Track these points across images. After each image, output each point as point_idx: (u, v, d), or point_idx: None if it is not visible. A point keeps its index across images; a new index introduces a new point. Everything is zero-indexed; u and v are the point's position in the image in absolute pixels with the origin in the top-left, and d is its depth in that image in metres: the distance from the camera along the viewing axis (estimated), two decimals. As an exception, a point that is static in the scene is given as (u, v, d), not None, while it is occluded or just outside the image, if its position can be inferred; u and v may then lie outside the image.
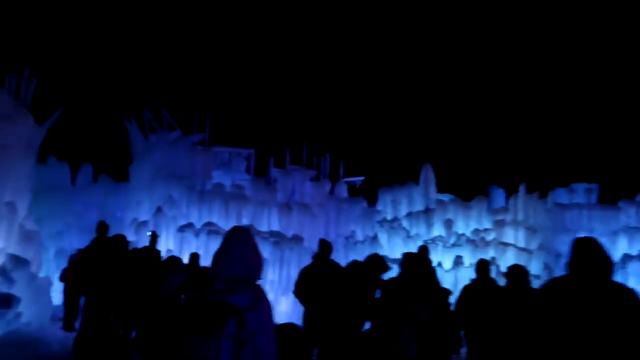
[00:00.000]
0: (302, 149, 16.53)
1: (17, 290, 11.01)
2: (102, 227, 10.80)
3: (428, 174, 15.64)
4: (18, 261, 11.68)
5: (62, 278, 13.46)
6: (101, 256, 9.95)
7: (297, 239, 15.28)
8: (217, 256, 2.97)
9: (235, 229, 3.13)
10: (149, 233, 10.34)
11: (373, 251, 15.42)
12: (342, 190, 17.40)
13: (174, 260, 10.62)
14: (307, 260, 15.21)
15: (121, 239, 8.34)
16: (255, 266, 2.98)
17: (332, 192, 17.21)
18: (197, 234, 14.82)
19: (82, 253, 10.87)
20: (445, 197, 15.72)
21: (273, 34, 39.16)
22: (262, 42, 40.78)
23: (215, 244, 14.94)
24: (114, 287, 7.75)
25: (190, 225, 14.97)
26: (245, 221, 15.31)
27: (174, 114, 15.71)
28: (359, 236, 16.21)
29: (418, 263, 6.12)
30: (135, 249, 9.53)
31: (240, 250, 2.95)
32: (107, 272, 9.92)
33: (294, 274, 9.76)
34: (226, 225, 15.15)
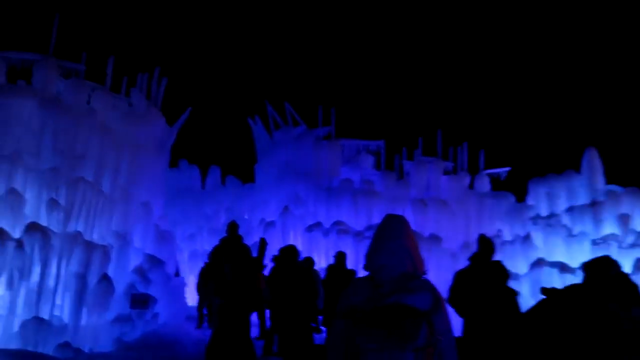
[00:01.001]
0: (436, 139, 14.93)
1: (153, 290, 10.87)
2: (233, 226, 10.26)
3: (593, 161, 13.13)
4: (154, 261, 11.62)
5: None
6: (233, 256, 9.49)
7: (434, 238, 13.69)
8: (377, 251, 2.63)
9: (393, 218, 2.73)
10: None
11: (526, 252, 13.35)
12: (484, 184, 15.42)
13: (311, 262, 9.83)
14: (446, 263, 13.62)
15: (292, 250, 7.87)
16: (420, 259, 2.67)
17: (471, 186, 15.34)
18: (326, 233, 13.92)
19: (212, 254, 10.46)
20: (617, 188, 13.08)
21: (398, 16, 34.58)
22: (387, 25, 35.71)
23: (344, 244, 13.97)
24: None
25: (318, 224, 14.10)
26: (376, 219, 14.08)
27: (297, 107, 15.02)
28: (507, 236, 14.16)
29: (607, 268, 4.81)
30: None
31: (403, 242, 2.62)
32: (242, 273, 9.40)
33: (433, 278, 8.32)
34: (356, 223, 14.08)
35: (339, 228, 13.74)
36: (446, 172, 15.16)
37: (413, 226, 14.25)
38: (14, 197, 9.33)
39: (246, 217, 18.37)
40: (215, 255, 9.52)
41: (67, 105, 10.10)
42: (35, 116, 9.78)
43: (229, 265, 8.20)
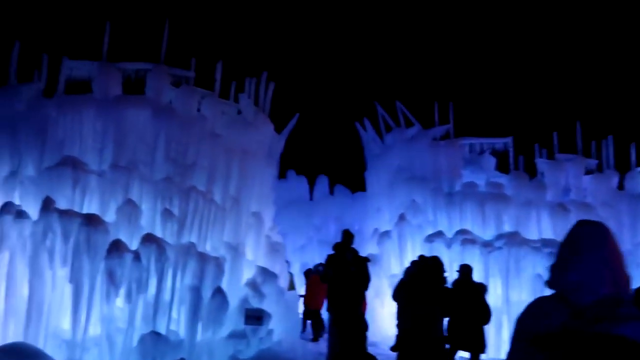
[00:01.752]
0: (574, 132, 12.89)
1: (267, 305, 10.24)
2: (348, 235, 9.37)
3: None
4: (267, 274, 11.04)
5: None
6: (348, 270, 8.58)
7: (580, 248, 11.67)
8: (570, 266, 2.13)
9: (589, 225, 2.23)
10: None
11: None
12: (637, 183, 13.05)
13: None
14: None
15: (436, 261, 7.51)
16: (626, 277, 2.12)
17: (621, 186, 13.04)
18: (449, 244, 12.52)
19: (325, 265, 9.64)
20: None
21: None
22: (509, 7, 30.21)
23: (471, 256, 12.47)
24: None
25: (439, 233, 12.74)
26: (507, 227, 12.41)
27: (410, 106, 13.82)
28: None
29: None
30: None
31: (604, 255, 2.11)
32: (354, 286, 8.58)
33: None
34: (483, 232, 12.51)
35: (463, 238, 12.26)
36: (588, 172, 13.05)
37: (552, 234, 12.36)
38: (131, 209, 9.20)
39: (357, 227, 17.55)
40: (330, 264, 8.64)
41: (178, 114, 9.90)
42: (149, 126, 9.66)
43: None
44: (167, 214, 9.38)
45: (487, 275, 12.00)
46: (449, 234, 12.70)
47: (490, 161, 14.28)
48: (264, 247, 11.70)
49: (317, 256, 16.19)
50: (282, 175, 19.34)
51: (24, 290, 8.17)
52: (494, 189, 12.50)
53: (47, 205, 8.44)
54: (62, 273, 8.38)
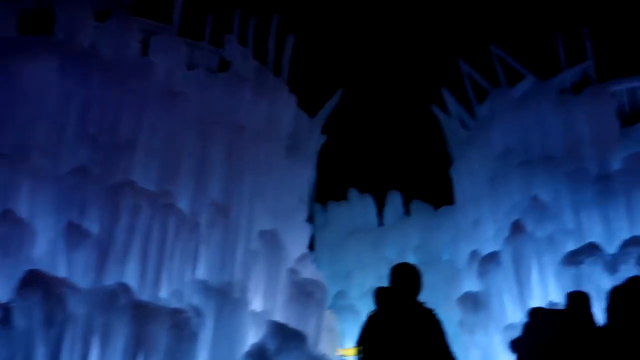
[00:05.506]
0: None
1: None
2: (403, 275, 4.73)
3: None
4: (289, 335, 6.29)
5: None
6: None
7: None
8: None
9: None
10: None
11: None
12: None
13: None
14: None
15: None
16: None
17: None
18: (612, 265, 7.14)
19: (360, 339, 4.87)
20: None
21: None
22: None
23: None
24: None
25: (591, 248, 7.41)
26: None
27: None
28: None
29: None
30: None
31: None
32: None
33: None
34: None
35: (641, 252, 6.80)
36: None
37: None
38: (11, 225, 4.99)
39: (446, 256, 12.82)
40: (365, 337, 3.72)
41: (104, 61, 5.73)
42: (53, 84, 5.58)
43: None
44: (75, 233, 5.07)
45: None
46: (610, 248, 7.25)
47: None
48: (287, 289, 6.98)
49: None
50: (341, 196, 14.76)
51: None
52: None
53: None
54: None
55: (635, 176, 7.24)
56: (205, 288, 5.69)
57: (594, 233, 7.63)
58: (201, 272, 5.86)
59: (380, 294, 3.68)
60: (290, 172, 7.95)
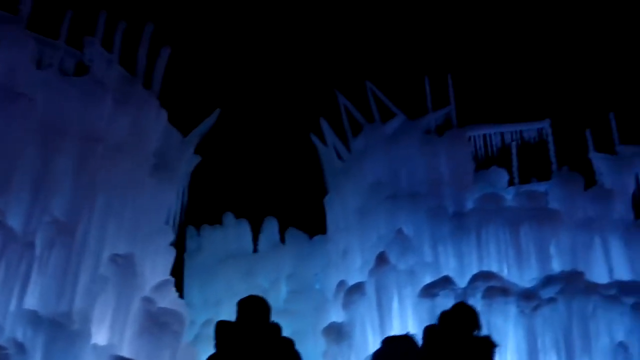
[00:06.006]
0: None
1: None
2: (252, 306, 4.48)
3: None
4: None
5: None
6: None
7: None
8: None
9: None
10: None
11: None
12: None
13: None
14: None
15: None
16: None
17: None
18: (462, 297, 7.61)
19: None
20: None
21: None
22: None
23: (504, 316, 7.35)
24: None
25: (445, 281, 7.84)
26: (558, 265, 7.56)
27: (385, 89, 9.10)
28: None
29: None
30: None
31: None
32: None
33: None
34: (519, 276, 7.60)
35: (487, 286, 7.35)
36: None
37: (629, 272, 7.61)
38: None
39: (318, 286, 12.79)
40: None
41: None
42: None
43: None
44: None
45: (532, 349, 7.03)
46: (462, 282, 7.72)
47: (500, 176, 9.35)
48: (138, 320, 6.37)
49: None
50: (217, 220, 14.28)
51: None
52: (531, 202, 7.63)
53: None
54: None
55: (485, 215, 7.87)
56: (34, 319, 4.95)
57: (449, 267, 8.11)
58: (32, 301, 5.10)
59: (221, 330, 3.38)
60: (155, 192, 7.42)
